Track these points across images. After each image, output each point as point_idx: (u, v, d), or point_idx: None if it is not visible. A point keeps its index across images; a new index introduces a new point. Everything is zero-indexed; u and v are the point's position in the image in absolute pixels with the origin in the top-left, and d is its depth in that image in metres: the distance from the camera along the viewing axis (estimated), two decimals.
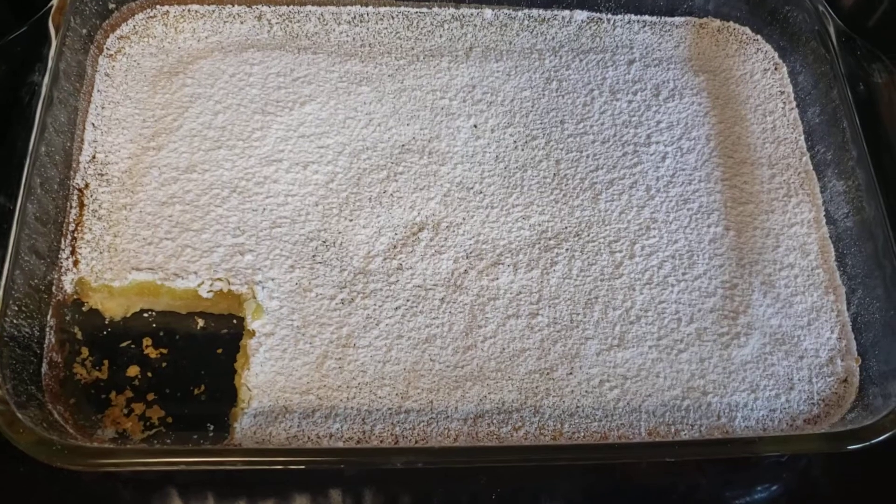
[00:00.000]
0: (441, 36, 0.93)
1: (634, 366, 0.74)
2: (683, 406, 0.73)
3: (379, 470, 0.73)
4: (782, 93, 0.91)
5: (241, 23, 0.92)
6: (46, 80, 0.78)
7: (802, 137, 0.87)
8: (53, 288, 0.74)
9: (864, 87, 0.84)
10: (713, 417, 0.73)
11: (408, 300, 0.76)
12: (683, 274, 0.79)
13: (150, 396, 0.73)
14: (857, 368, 0.75)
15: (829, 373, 0.75)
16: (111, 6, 0.88)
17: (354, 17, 0.92)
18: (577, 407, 0.72)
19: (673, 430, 0.72)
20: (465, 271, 0.78)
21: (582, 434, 0.71)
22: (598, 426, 0.71)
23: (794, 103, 0.90)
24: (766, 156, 0.87)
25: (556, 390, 0.72)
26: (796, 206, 0.84)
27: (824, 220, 0.83)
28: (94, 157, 0.82)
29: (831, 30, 0.86)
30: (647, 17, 0.95)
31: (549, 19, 0.94)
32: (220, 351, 0.75)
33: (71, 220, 0.78)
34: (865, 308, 0.77)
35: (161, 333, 0.76)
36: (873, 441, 0.67)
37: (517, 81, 0.90)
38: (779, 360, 0.75)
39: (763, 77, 0.92)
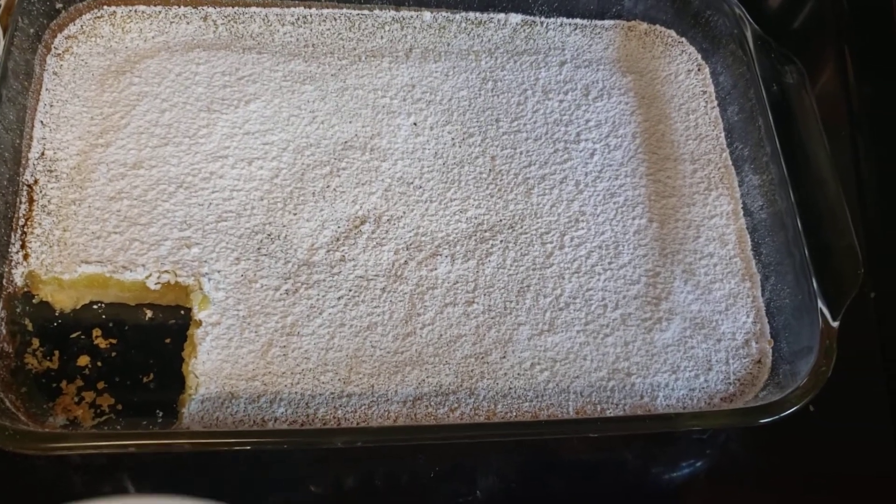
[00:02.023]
0: (382, 37, 0.97)
1: (563, 349, 0.79)
2: (609, 387, 0.78)
3: (322, 450, 0.77)
4: (704, 92, 0.96)
5: (188, 23, 0.94)
6: None
7: (723, 134, 0.93)
8: (4, 281, 0.76)
9: (778, 88, 0.89)
10: (637, 397, 0.78)
11: (350, 290, 0.79)
12: (609, 263, 0.84)
13: (101, 385, 0.75)
14: (770, 350, 0.81)
15: (744, 354, 0.81)
16: (58, 6, 0.89)
17: (298, 19, 0.95)
18: (510, 388, 0.76)
19: (599, 409, 0.76)
20: (405, 262, 0.82)
21: (514, 414, 0.75)
22: (529, 406, 0.76)
23: (715, 102, 0.95)
24: (689, 152, 0.92)
25: (490, 373, 0.77)
26: (716, 199, 0.89)
27: (742, 212, 0.88)
28: (42, 153, 0.84)
29: (748, 34, 0.92)
30: (578, 21, 1.00)
31: (485, 22, 0.98)
32: (168, 341, 0.78)
33: (20, 215, 0.80)
34: (777, 293, 0.83)
35: (110, 324, 0.79)
36: (782, 415, 0.72)
37: (455, 81, 0.94)
38: (698, 342, 0.81)
39: (687, 77, 0.97)
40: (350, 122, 0.90)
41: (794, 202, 0.82)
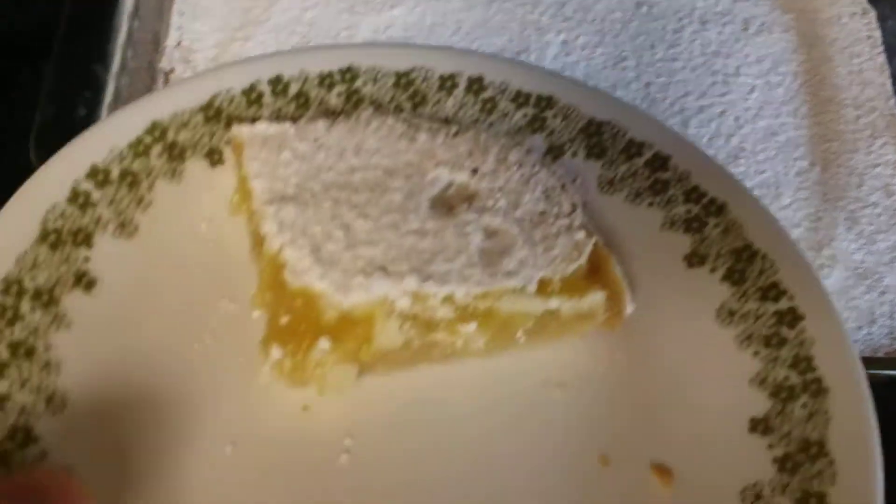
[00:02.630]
0: None
1: None
2: None
3: None
4: (870, 37, 0.90)
5: None
6: None
7: (889, 81, 0.87)
8: None
9: None
10: None
11: None
12: (769, 203, 0.78)
13: None
14: None
15: None
16: None
17: None
18: None
19: None
20: None
21: None
22: None
23: (881, 48, 0.89)
24: (852, 97, 0.86)
25: None
26: (881, 147, 0.83)
27: None
28: (179, 42, 0.81)
29: None
30: None
31: None
32: None
33: None
34: None
35: None
36: None
37: (608, 2, 0.88)
38: (861, 294, 0.75)
39: (851, 20, 0.91)
40: (496, 36, 0.85)
41: None
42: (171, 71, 0.79)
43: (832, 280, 0.75)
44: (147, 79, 0.76)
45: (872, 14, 0.91)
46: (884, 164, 0.82)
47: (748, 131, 0.82)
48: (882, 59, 0.88)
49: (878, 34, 0.90)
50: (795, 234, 0.77)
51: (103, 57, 0.71)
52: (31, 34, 0.76)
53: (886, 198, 0.80)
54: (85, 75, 0.71)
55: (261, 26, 0.82)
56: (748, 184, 0.79)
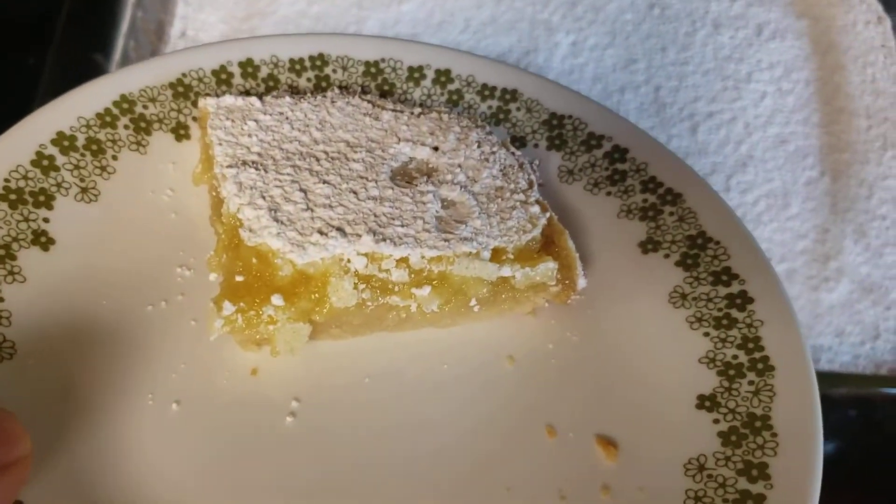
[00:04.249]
0: None
1: None
2: None
3: None
4: (884, 46, 0.89)
5: None
6: None
7: None
8: None
9: None
10: None
11: None
12: (777, 213, 0.77)
13: None
14: None
15: None
16: None
17: None
18: None
19: None
20: None
21: None
22: None
23: (895, 57, 0.87)
24: (864, 107, 0.85)
25: None
26: (892, 158, 0.82)
27: None
28: (184, 32, 0.80)
29: None
30: None
31: None
32: None
33: None
34: None
35: None
36: None
37: (620, 2, 0.87)
38: (866, 308, 0.74)
39: (865, 28, 0.90)
40: (505, 35, 0.84)
41: None
42: None
43: (837, 293, 0.74)
44: None
45: (888, 22, 0.90)
46: (894, 175, 0.81)
47: (758, 138, 0.81)
48: None
49: (892, 43, 0.88)
50: (802, 245, 0.76)
51: (104, 45, 0.71)
52: (33, 22, 0.74)
53: (895, 210, 0.79)
54: (86, 64, 0.70)
55: (266, 18, 0.81)
56: (756, 192, 0.78)
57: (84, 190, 0.56)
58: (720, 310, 0.55)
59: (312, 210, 0.51)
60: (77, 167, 0.56)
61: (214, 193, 0.55)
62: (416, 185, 0.55)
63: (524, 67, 0.82)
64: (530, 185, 0.57)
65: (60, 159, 0.56)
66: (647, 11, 0.87)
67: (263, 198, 0.52)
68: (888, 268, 0.76)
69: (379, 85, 0.64)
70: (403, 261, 0.51)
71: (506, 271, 0.53)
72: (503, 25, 0.84)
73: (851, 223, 0.78)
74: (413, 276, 0.51)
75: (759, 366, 0.52)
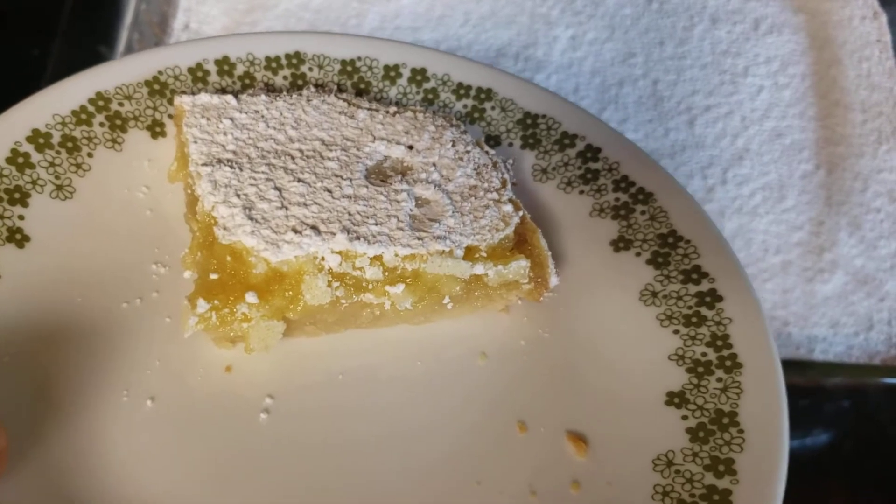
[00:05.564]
0: None
1: None
2: None
3: None
4: (879, 41, 0.89)
5: None
6: None
7: None
8: None
9: None
10: (792, 347, 0.73)
11: None
12: (773, 205, 0.78)
13: None
14: None
15: None
16: None
17: None
18: None
19: None
20: None
21: None
22: None
23: (891, 52, 0.89)
24: (860, 101, 0.86)
25: None
26: (886, 152, 0.83)
27: None
28: (187, 25, 0.80)
29: None
30: None
31: None
32: None
33: None
34: None
35: None
36: None
37: None
38: (860, 299, 0.75)
39: (861, 23, 0.91)
40: (504, 29, 0.85)
41: None
42: None
43: (832, 285, 0.75)
44: None
45: (884, 18, 0.91)
46: (889, 169, 0.82)
47: (754, 132, 0.82)
48: (891, 63, 0.88)
49: (888, 38, 0.89)
50: (797, 237, 0.77)
51: (108, 37, 0.71)
52: (37, 14, 0.75)
53: (890, 203, 0.80)
54: (90, 55, 0.71)
55: (269, 12, 0.82)
56: (752, 185, 0.79)
57: (59, 187, 0.57)
58: (690, 307, 0.56)
59: (287, 208, 0.52)
60: (52, 164, 0.57)
61: (189, 191, 0.56)
62: (391, 184, 0.56)
63: (523, 61, 0.82)
64: (504, 183, 0.58)
65: (36, 157, 0.57)
66: (645, 6, 0.88)
67: (238, 196, 0.52)
68: (882, 260, 0.77)
69: (355, 83, 0.65)
70: (377, 259, 0.52)
71: (479, 269, 0.54)
72: (503, 19, 0.85)
73: (846, 216, 0.79)
74: (387, 273, 0.52)
75: (728, 363, 0.53)
